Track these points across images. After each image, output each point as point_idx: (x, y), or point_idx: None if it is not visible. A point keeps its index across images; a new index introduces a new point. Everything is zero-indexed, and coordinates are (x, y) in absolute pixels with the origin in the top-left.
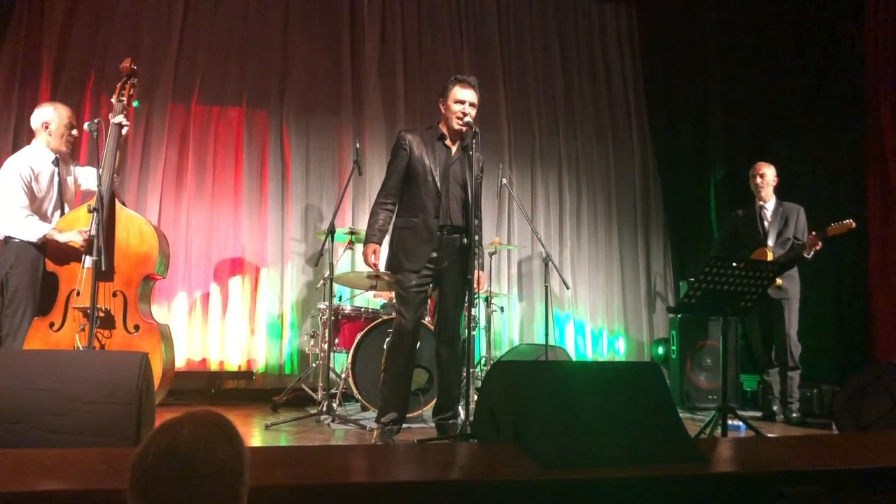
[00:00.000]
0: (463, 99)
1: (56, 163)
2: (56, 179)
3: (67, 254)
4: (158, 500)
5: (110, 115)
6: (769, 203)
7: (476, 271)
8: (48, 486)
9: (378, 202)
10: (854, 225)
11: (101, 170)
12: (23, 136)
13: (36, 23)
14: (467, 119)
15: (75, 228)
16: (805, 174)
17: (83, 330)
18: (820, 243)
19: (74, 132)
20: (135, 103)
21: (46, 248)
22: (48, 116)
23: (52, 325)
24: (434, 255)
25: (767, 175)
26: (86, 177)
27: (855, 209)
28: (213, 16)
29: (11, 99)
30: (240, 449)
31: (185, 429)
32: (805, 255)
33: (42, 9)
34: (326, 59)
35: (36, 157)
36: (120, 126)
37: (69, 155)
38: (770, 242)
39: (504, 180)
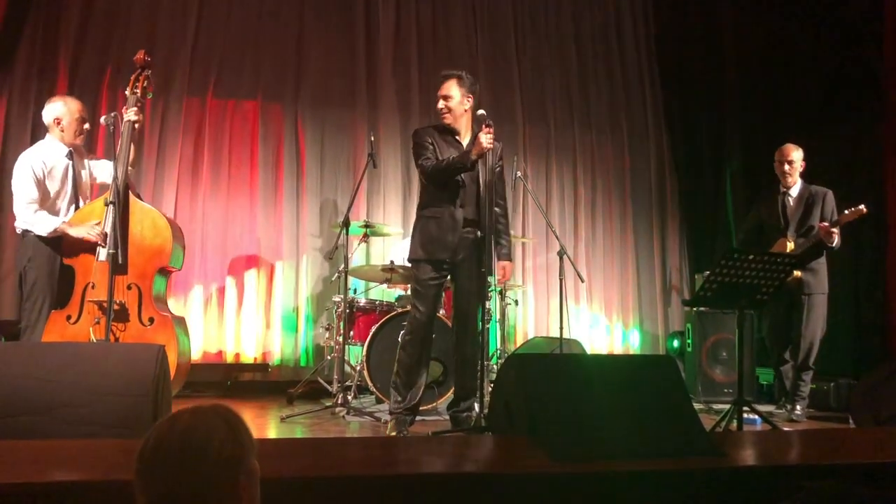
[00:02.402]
0: (437, 95)
1: (70, 156)
2: (70, 173)
3: (82, 247)
4: (157, 489)
5: (124, 108)
6: (794, 189)
7: (504, 262)
8: (66, 477)
9: (426, 158)
10: (865, 210)
11: (115, 163)
12: (40, 130)
13: (52, 18)
14: (442, 110)
15: (88, 222)
16: (822, 163)
17: (98, 323)
18: (834, 230)
19: (86, 126)
20: (149, 95)
21: (62, 241)
22: (59, 112)
23: (69, 317)
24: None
25: (796, 160)
26: (101, 169)
27: (873, 199)
28: (228, 10)
29: (29, 94)
30: (240, 437)
31: (182, 419)
32: (829, 245)
33: (59, 4)
34: (341, 52)
35: (49, 152)
36: (132, 122)
37: (83, 148)
38: (790, 232)
39: (518, 173)
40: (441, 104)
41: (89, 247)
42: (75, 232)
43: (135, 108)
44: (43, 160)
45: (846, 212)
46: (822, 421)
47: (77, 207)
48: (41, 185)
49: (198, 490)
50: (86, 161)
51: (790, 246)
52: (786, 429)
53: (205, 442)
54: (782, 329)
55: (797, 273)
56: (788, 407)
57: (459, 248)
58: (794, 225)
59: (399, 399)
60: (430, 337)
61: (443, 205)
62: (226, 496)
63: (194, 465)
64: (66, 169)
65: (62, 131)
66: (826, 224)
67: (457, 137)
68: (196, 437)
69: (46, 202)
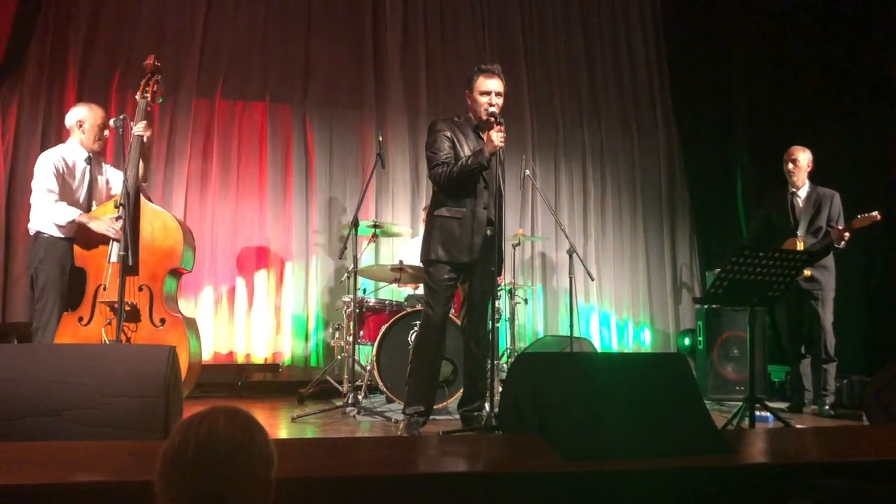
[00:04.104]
0: (488, 90)
1: (89, 161)
2: (87, 177)
3: (94, 248)
4: (203, 490)
5: (133, 122)
6: (802, 189)
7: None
8: (78, 479)
9: (437, 165)
10: (879, 217)
11: (126, 166)
12: (50, 133)
13: (62, 21)
14: (493, 110)
15: (107, 217)
16: (832, 161)
17: (109, 324)
18: (847, 234)
19: (106, 133)
20: (159, 100)
21: (75, 240)
22: (83, 115)
23: (80, 319)
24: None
25: (801, 161)
26: (117, 178)
27: (884, 198)
28: (236, 10)
29: (39, 97)
30: (269, 439)
31: (220, 419)
32: (837, 245)
33: (68, 7)
34: (349, 52)
35: (70, 153)
36: (140, 137)
37: (101, 156)
38: (800, 231)
39: (527, 171)
40: (495, 100)
41: (101, 248)
42: (95, 226)
43: (143, 123)
44: (63, 157)
45: (859, 217)
46: (836, 418)
47: (89, 210)
48: (61, 177)
49: (246, 489)
50: (104, 167)
51: (800, 245)
52: (798, 426)
53: (249, 443)
54: (798, 326)
55: (807, 272)
56: (818, 403)
57: (480, 248)
58: (804, 224)
59: (413, 401)
60: (444, 337)
61: (464, 203)
62: (264, 494)
63: (242, 467)
64: (84, 172)
65: (83, 133)
66: (841, 228)
67: (478, 132)
68: (241, 438)
69: (63, 199)
